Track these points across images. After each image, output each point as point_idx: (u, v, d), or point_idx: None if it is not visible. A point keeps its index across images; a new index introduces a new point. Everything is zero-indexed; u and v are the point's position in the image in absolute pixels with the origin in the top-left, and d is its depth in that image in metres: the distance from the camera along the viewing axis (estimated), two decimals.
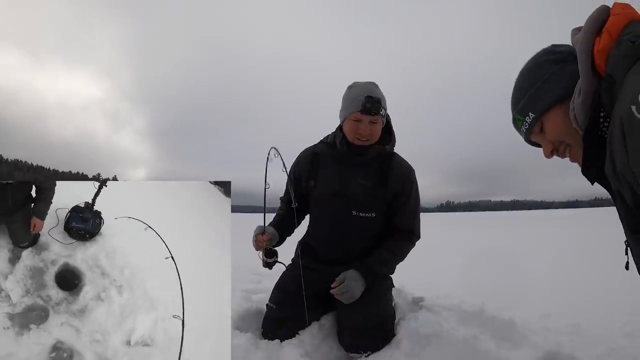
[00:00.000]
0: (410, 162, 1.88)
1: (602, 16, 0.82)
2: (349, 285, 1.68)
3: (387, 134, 1.85)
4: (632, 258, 0.84)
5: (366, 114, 1.69)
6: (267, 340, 1.73)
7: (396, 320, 1.91)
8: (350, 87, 1.78)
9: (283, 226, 1.92)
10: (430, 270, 3.83)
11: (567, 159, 0.95)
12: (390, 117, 1.85)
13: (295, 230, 2.00)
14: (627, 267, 0.92)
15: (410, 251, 1.86)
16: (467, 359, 1.58)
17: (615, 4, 0.85)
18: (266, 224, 1.82)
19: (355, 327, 1.69)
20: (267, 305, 1.88)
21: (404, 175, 1.83)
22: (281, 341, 1.71)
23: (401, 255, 1.83)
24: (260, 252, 1.79)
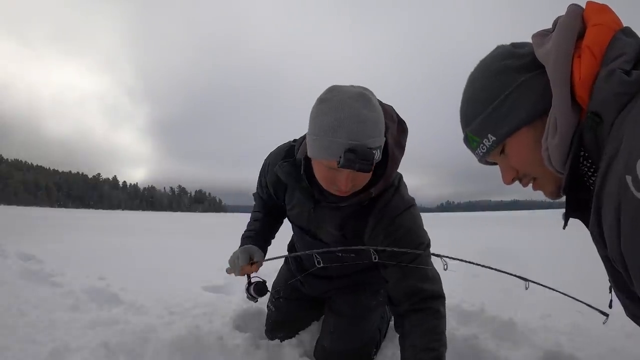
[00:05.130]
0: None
1: (576, 26, 0.67)
2: None
3: (383, 161, 1.20)
4: (615, 297, 0.76)
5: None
6: (267, 340, 1.73)
7: None
8: (322, 103, 1.12)
9: (263, 238, 1.59)
10: None
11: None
12: None
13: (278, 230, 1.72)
14: (610, 306, 0.85)
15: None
16: (467, 359, 1.58)
17: (589, 3, 0.69)
18: (246, 231, 1.59)
19: (329, 350, 1.58)
20: (267, 306, 1.87)
21: (392, 229, 1.26)
22: (281, 341, 1.71)
23: (441, 343, 1.19)
24: (248, 285, 1.51)
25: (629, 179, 0.53)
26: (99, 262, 4.11)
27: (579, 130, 0.65)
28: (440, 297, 1.25)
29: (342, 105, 1.07)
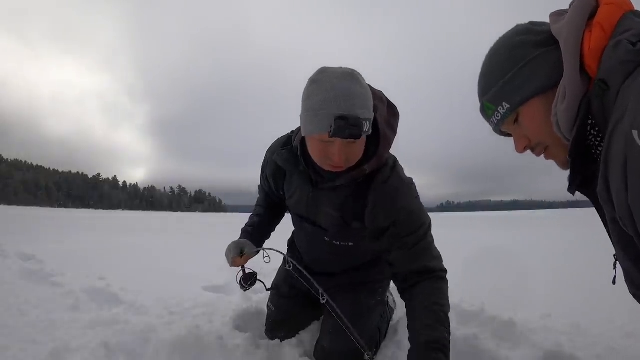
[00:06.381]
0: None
1: (589, 4, 0.71)
2: None
3: (374, 139, 1.26)
4: (619, 273, 0.77)
5: (339, 137, 1.12)
6: (267, 340, 1.73)
7: (396, 320, 1.91)
8: (313, 84, 1.17)
9: (260, 233, 1.67)
10: None
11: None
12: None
13: (276, 229, 1.79)
14: (613, 282, 0.87)
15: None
16: (467, 359, 1.58)
17: None
18: (246, 225, 1.69)
19: (328, 350, 1.57)
20: (267, 306, 1.87)
21: (389, 204, 1.28)
22: (281, 341, 1.71)
23: (447, 300, 1.27)
24: (238, 276, 1.61)
25: (635, 133, 0.55)
26: (99, 262, 4.11)
27: (587, 98, 0.68)
28: (444, 271, 1.31)
29: (332, 84, 1.13)
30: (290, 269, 1.52)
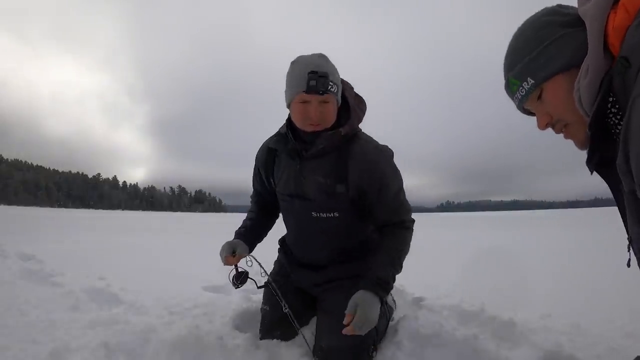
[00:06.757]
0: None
1: None
2: (363, 314, 1.34)
3: (346, 111, 1.54)
4: (634, 255, 0.78)
5: (313, 94, 1.41)
6: (267, 340, 1.72)
7: (396, 320, 1.91)
8: (292, 63, 1.48)
9: (253, 235, 1.75)
10: (431, 270, 3.83)
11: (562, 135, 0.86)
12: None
13: (269, 232, 1.86)
14: (628, 265, 0.87)
15: (411, 243, 1.60)
16: (467, 359, 1.58)
17: None
18: (239, 227, 1.77)
19: (326, 349, 1.56)
20: (261, 309, 1.85)
21: (368, 163, 1.49)
22: (280, 340, 1.70)
23: (404, 248, 1.54)
24: (230, 274, 1.66)
25: None
26: (99, 262, 4.11)
27: (609, 75, 0.70)
28: (412, 221, 1.59)
29: (305, 60, 1.45)
30: (269, 283, 1.68)
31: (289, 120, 1.58)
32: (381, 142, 1.61)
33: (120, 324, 1.92)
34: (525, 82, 0.84)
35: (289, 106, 1.53)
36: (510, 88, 0.89)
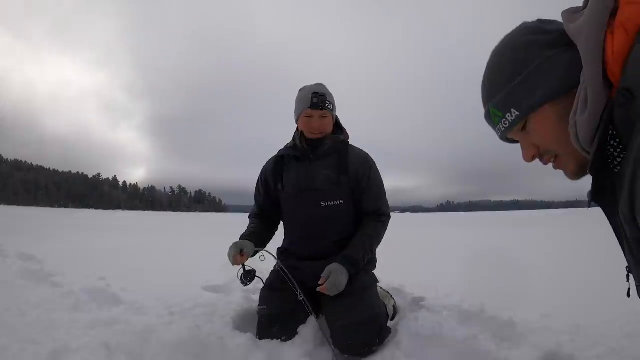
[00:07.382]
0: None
1: (609, 4, 0.65)
2: (334, 278, 1.67)
3: (339, 129, 2.01)
4: (633, 285, 0.73)
5: (315, 109, 1.84)
6: (267, 340, 1.72)
7: (396, 320, 1.91)
8: (300, 90, 1.94)
9: (257, 238, 1.91)
10: (431, 270, 3.83)
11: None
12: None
13: (269, 242, 2.00)
14: (628, 295, 0.81)
15: (385, 234, 1.93)
16: (467, 359, 1.58)
17: None
18: (244, 233, 1.91)
19: (348, 325, 1.66)
20: (257, 311, 1.87)
21: (362, 159, 1.93)
22: (279, 339, 1.71)
23: (376, 237, 1.88)
24: (239, 272, 1.81)
25: None
26: (99, 262, 4.11)
27: (609, 107, 0.63)
28: (387, 217, 1.95)
29: (310, 87, 1.91)
30: (280, 268, 1.82)
31: (297, 132, 1.97)
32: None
33: (120, 324, 1.92)
34: (508, 114, 0.75)
35: (297, 121, 1.94)
36: (492, 119, 0.80)
